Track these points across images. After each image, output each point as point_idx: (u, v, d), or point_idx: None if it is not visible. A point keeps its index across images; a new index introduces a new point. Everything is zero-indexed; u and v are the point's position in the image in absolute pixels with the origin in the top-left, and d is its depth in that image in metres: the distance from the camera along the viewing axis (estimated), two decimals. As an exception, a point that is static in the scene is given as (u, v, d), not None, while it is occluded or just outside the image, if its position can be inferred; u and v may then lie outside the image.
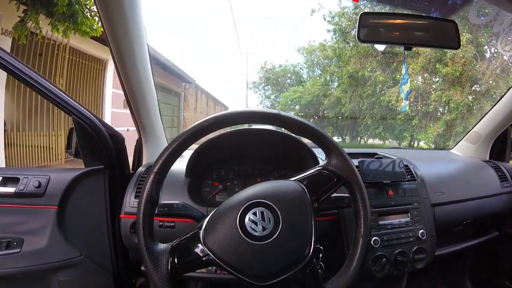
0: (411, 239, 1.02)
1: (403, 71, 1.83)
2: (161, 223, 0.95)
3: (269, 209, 0.62)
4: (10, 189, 1.00)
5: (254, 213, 0.61)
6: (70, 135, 1.12)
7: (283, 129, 0.74)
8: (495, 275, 1.50)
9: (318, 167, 0.72)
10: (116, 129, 1.15)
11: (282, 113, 0.69)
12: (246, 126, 1.05)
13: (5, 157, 4.40)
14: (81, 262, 1.04)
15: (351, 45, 8.90)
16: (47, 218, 1.00)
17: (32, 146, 4.82)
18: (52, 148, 5.10)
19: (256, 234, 0.60)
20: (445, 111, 7.63)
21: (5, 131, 4.44)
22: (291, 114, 0.70)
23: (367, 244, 0.68)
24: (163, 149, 0.67)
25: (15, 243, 0.98)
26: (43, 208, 1.00)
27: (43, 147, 4.99)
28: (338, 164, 0.70)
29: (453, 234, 1.28)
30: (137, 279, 1.31)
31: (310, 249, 0.62)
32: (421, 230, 1.03)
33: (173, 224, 0.95)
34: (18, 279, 1.01)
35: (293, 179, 0.70)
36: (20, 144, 4.68)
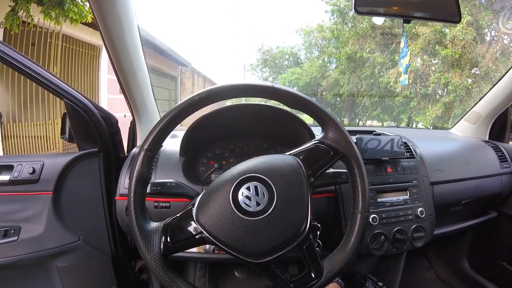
0: (410, 217, 1.01)
1: (402, 44, 1.79)
2: (156, 204, 0.94)
3: (264, 183, 0.61)
4: (5, 177, 0.98)
5: (248, 188, 0.60)
6: (63, 120, 1.11)
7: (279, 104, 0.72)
8: (493, 256, 1.51)
9: (314, 140, 0.70)
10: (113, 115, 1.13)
11: (276, 85, 0.67)
12: (243, 101, 1.03)
13: (3, 150, 4.37)
14: (79, 247, 1.04)
15: (350, 26, 8.78)
16: (43, 204, 1.00)
17: (29, 136, 4.78)
18: (49, 137, 5.05)
19: (250, 209, 0.58)
20: (444, 93, 7.58)
21: (1, 123, 4.40)
22: (285, 86, 0.68)
23: (366, 220, 0.67)
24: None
25: (12, 231, 0.98)
26: (38, 194, 1.00)
27: (40, 137, 4.94)
28: (335, 137, 0.68)
29: (452, 213, 1.28)
30: (136, 263, 1.32)
31: (307, 224, 0.61)
32: (420, 208, 1.02)
33: (168, 204, 0.94)
34: (17, 267, 1.01)
35: (288, 153, 0.69)
36: (16, 136, 4.63)
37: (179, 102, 0.65)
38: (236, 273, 1.38)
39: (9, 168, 1.00)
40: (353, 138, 0.71)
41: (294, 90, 0.68)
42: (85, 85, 5.86)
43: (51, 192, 1.00)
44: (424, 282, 1.68)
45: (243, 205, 0.59)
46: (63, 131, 1.11)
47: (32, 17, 3.71)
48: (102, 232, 1.10)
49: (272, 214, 0.58)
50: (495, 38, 7.30)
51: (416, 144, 1.20)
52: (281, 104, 0.72)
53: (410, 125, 8.21)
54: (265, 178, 0.61)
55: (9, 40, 3.91)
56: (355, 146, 0.69)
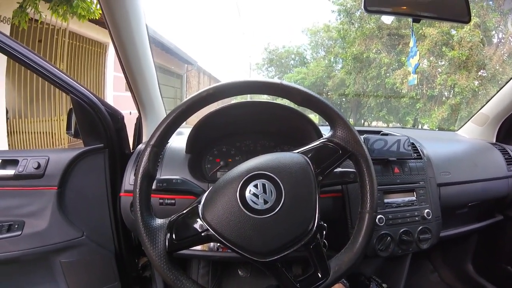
0: (417, 218, 1.00)
1: (411, 44, 1.78)
2: (161, 200, 0.94)
3: (271, 181, 0.60)
4: (10, 172, 0.99)
5: (255, 186, 0.59)
6: (69, 115, 1.10)
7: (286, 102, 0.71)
8: (498, 260, 1.49)
9: (323, 139, 0.69)
10: (119, 112, 1.13)
11: (285, 82, 0.66)
12: (249, 99, 1.02)
13: (8, 145, 4.39)
14: (82, 243, 1.04)
15: (356, 26, 8.74)
16: (47, 199, 1.00)
17: (34, 132, 4.81)
18: (54, 133, 5.08)
19: (257, 207, 0.58)
20: (450, 95, 7.52)
21: (7, 119, 4.43)
22: (294, 84, 0.67)
23: (374, 220, 0.66)
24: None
25: (16, 226, 0.98)
26: (43, 189, 1.00)
27: (46, 133, 4.98)
28: (344, 136, 0.67)
29: (458, 216, 1.26)
30: (139, 259, 1.32)
31: (314, 223, 0.60)
32: (427, 210, 1.01)
33: (173, 201, 0.93)
34: (20, 262, 1.01)
35: (296, 151, 0.68)
36: (22, 131, 4.67)
37: (187, 98, 0.65)
38: (239, 272, 1.38)
39: (14, 162, 1.00)
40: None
41: (303, 87, 0.67)
42: (91, 82, 5.90)
43: (56, 187, 1.00)
44: (428, 285, 1.66)
45: (251, 203, 0.58)
46: (68, 127, 1.11)
47: (40, 13, 3.74)
48: (106, 228, 1.10)
49: (280, 212, 0.58)
50: (502, 40, 7.23)
51: (423, 145, 1.19)
52: (288, 102, 0.71)
53: (416, 126, 8.15)
54: (273, 176, 0.60)
55: (16, 37, 3.93)
56: (364, 145, 0.68)
